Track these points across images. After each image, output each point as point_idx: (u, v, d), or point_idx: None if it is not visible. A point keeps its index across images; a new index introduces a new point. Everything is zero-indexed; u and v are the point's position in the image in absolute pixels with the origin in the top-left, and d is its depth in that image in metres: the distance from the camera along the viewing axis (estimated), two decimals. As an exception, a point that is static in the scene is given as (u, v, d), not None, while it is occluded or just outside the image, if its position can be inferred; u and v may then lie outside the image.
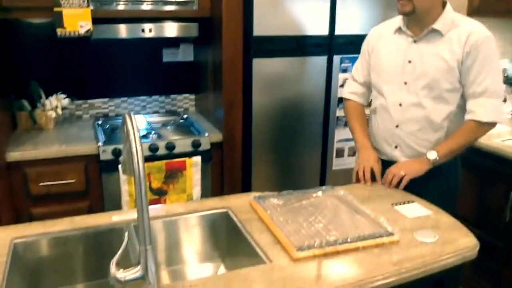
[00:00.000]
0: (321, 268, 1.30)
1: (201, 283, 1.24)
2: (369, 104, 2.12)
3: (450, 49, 1.80)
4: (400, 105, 1.91)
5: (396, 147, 1.97)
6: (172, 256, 1.66)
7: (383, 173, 1.90)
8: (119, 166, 2.34)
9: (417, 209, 1.67)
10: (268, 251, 1.38)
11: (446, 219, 1.61)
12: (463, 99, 1.86)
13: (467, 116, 1.84)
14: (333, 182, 2.71)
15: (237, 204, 1.70)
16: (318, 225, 1.50)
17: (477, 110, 1.81)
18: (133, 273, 1.12)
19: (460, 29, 1.80)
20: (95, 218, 1.61)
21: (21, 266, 1.44)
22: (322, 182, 2.82)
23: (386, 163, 1.96)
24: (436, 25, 1.82)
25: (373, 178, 1.90)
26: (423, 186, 1.82)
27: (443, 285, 1.49)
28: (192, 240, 1.68)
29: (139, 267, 1.12)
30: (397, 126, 1.94)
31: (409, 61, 1.88)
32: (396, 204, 1.71)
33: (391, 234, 1.45)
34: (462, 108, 1.88)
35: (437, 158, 1.81)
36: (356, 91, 2.13)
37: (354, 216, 1.57)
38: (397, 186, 1.83)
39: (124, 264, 1.17)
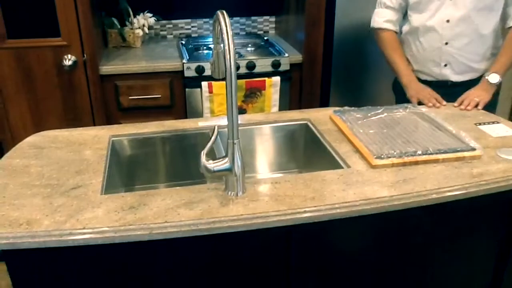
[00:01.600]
0: (398, 175, 1.33)
1: (282, 180, 1.31)
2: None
3: None
4: (448, 21, 1.87)
5: (445, 65, 1.94)
6: (250, 164, 1.75)
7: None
8: (203, 83, 2.43)
9: (502, 129, 1.63)
10: (347, 159, 1.42)
11: (533, 140, 1.55)
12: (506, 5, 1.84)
13: (509, 22, 1.84)
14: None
15: (317, 117, 1.74)
16: (398, 137, 1.51)
17: None
18: (221, 164, 1.20)
19: None
20: (182, 123, 1.72)
21: (118, 160, 1.58)
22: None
23: (433, 84, 1.94)
24: None
25: None
26: None
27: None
28: (271, 149, 1.75)
29: (226, 159, 1.20)
30: (446, 44, 1.91)
31: None
32: (480, 124, 1.67)
33: (473, 149, 1.43)
34: (503, 14, 1.87)
35: (500, 80, 1.81)
36: (391, 19, 2.03)
37: (436, 132, 1.56)
38: None
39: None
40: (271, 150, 1.76)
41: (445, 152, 1.42)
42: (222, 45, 1.18)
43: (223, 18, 1.19)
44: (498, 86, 1.88)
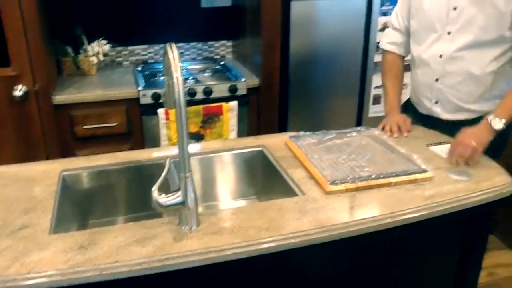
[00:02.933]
0: (353, 201, 1.34)
1: (237, 211, 1.30)
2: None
3: None
4: (441, 56, 1.77)
5: (436, 102, 1.85)
6: (207, 193, 1.73)
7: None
8: (159, 110, 2.41)
9: (453, 149, 1.67)
10: (301, 185, 1.43)
11: (481, 159, 1.60)
12: (510, 47, 1.69)
13: None
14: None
15: (273, 143, 1.74)
16: (351, 162, 1.53)
17: None
18: (173, 198, 1.18)
19: None
20: (136, 154, 1.69)
21: (70, 196, 1.54)
22: (359, 128, 2.82)
23: (425, 118, 1.90)
24: None
25: None
26: None
27: (477, 223, 1.50)
28: (227, 177, 1.74)
29: (179, 193, 1.19)
30: (437, 80, 1.81)
31: (454, 8, 1.70)
32: (431, 145, 1.71)
33: (424, 171, 1.46)
34: (508, 57, 1.72)
35: (503, 126, 1.58)
36: (396, 41, 1.96)
37: (388, 155, 1.59)
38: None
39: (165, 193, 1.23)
40: (230, 178, 1.75)
41: (398, 175, 1.44)
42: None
43: (171, 51, 1.18)
44: (506, 131, 1.65)
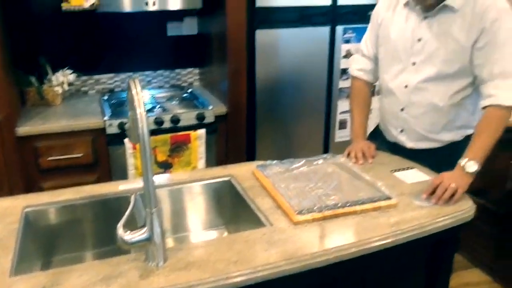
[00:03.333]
0: (320, 230, 1.35)
1: (205, 244, 1.29)
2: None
3: (464, 26, 1.63)
4: (406, 86, 1.79)
5: (401, 131, 1.88)
6: (177, 224, 1.72)
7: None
8: (125, 139, 2.39)
9: (416, 175, 1.71)
10: (269, 216, 1.43)
11: (444, 183, 1.64)
12: (474, 82, 1.71)
13: (486, 101, 1.64)
14: (336, 153, 2.76)
15: (240, 172, 1.75)
16: (318, 190, 1.54)
17: (498, 94, 1.61)
18: (139, 235, 1.17)
19: (476, 2, 1.61)
20: (102, 187, 1.67)
21: (33, 233, 1.50)
22: (325, 153, 2.85)
23: (392, 145, 1.93)
24: (448, 1, 1.64)
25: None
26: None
27: (441, 247, 1.53)
28: (196, 208, 1.73)
29: (145, 229, 1.17)
30: (402, 109, 1.83)
31: (419, 40, 1.72)
32: (395, 171, 1.74)
33: (388, 198, 1.49)
34: (471, 92, 1.74)
35: (478, 168, 1.58)
36: (364, 68, 1.98)
37: (354, 182, 1.61)
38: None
39: (130, 229, 1.22)
40: (198, 208, 1.74)
41: (363, 203, 1.46)
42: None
43: (135, 86, 1.18)
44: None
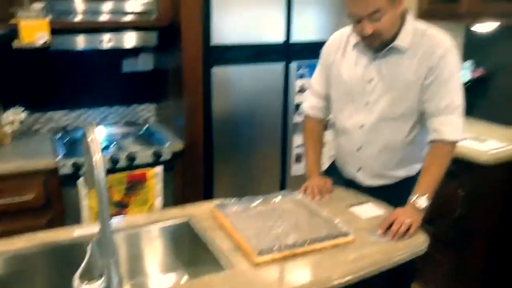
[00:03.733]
0: (280, 271, 1.35)
1: (164, 292, 1.27)
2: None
3: (412, 65, 1.70)
4: (361, 126, 1.83)
5: (359, 169, 1.91)
6: (135, 269, 1.68)
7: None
8: (79, 180, 2.33)
9: (371, 209, 1.75)
10: (229, 257, 1.43)
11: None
12: (423, 117, 1.77)
13: (432, 136, 1.71)
14: (293, 187, 2.76)
15: (198, 212, 1.74)
16: (277, 229, 1.55)
17: (443, 129, 1.69)
18: (97, 285, 1.14)
19: (422, 41, 1.69)
20: (55, 233, 1.61)
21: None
22: (282, 188, 2.88)
23: (349, 182, 1.97)
24: (396, 42, 1.70)
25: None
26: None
27: (398, 279, 1.56)
28: (154, 251, 1.70)
29: (102, 279, 1.14)
30: (359, 149, 1.87)
31: (370, 80, 1.78)
32: (351, 206, 1.78)
33: (345, 234, 1.52)
34: (422, 127, 1.80)
35: (428, 204, 1.64)
36: (315, 105, 2.01)
37: (312, 219, 1.63)
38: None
39: (87, 278, 1.19)
40: (156, 252, 1.71)
41: (321, 240, 1.48)
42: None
43: (91, 133, 1.17)
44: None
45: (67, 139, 2.71)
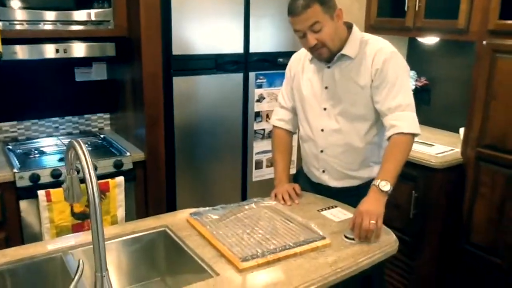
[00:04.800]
0: (267, 275, 1.39)
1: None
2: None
3: (360, 70, 1.85)
4: (322, 130, 1.95)
5: (323, 171, 2.01)
6: (113, 281, 1.65)
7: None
8: (39, 192, 2.26)
9: (341, 213, 1.83)
10: (213, 265, 1.45)
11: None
12: (379, 118, 1.89)
13: (390, 132, 1.81)
14: (254, 192, 2.86)
15: (174, 221, 1.74)
16: (257, 235, 1.59)
17: (398, 124, 1.79)
18: (91, 299, 1.12)
19: (367, 48, 1.86)
20: (27, 249, 1.56)
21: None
22: (244, 193, 2.92)
23: (316, 185, 2.06)
24: (344, 51, 1.85)
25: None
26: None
27: (370, 279, 1.65)
28: (131, 262, 1.68)
29: (96, 293, 1.13)
30: (321, 151, 1.98)
31: (326, 87, 1.92)
32: (321, 210, 1.85)
33: (323, 237, 1.58)
34: (379, 127, 1.92)
35: (391, 187, 1.70)
36: (283, 118, 2.13)
37: (288, 224, 1.68)
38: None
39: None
40: (133, 262, 1.69)
41: (301, 244, 1.54)
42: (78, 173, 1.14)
43: (79, 147, 1.16)
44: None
45: (20, 150, 2.61)
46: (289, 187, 1.97)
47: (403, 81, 1.84)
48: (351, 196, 1.91)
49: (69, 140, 2.74)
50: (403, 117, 1.81)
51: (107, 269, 1.14)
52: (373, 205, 1.66)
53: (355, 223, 1.63)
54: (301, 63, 2.03)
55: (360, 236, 1.60)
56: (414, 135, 1.81)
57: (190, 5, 2.51)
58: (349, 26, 1.90)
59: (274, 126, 2.17)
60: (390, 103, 1.82)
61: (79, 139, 1.20)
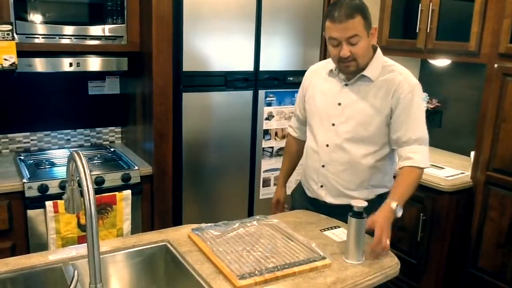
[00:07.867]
0: (263, 294, 1.39)
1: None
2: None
3: (379, 95, 1.85)
4: (327, 145, 1.96)
5: (321, 186, 2.01)
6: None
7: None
8: (47, 202, 2.29)
9: (343, 233, 1.82)
10: (211, 282, 1.44)
11: (369, 241, 1.76)
12: (388, 145, 1.92)
13: (404, 163, 1.84)
14: (260, 210, 2.85)
15: (176, 236, 1.75)
16: (256, 253, 1.59)
17: (416, 157, 1.82)
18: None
19: (390, 76, 1.85)
20: (29, 258, 1.57)
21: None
22: (250, 210, 2.92)
23: (313, 200, 2.06)
24: (366, 72, 1.86)
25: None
26: None
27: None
28: (132, 275, 1.69)
29: (89, 305, 1.14)
30: (323, 166, 1.98)
31: (339, 104, 1.92)
32: (324, 230, 1.84)
33: (323, 258, 1.57)
34: (385, 155, 1.93)
35: (400, 209, 1.73)
36: (292, 125, 2.25)
37: (289, 243, 1.68)
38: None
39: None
40: (133, 275, 1.69)
41: (300, 264, 1.53)
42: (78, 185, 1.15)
43: (80, 160, 1.18)
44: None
45: (31, 161, 2.65)
46: (280, 198, 2.26)
47: (423, 114, 1.89)
48: (344, 214, 1.89)
49: (80, 151, 2.83)
50: (421, 151, 1.84)
51: (101, 281, 1.15)
52: (387, 219, 1.69)
53: (376, 235, 1.63)
54: (317, 75, 2.05)
55: (376, 253, 1.62)
56: (425, 168, 1.87)
57: (201, 22, 2.56)
58: (374, 48, 1.91)
59: (287, 133, 2.31)
60: (410, 135, 1.84)
61: (79, 151, 1.22)
